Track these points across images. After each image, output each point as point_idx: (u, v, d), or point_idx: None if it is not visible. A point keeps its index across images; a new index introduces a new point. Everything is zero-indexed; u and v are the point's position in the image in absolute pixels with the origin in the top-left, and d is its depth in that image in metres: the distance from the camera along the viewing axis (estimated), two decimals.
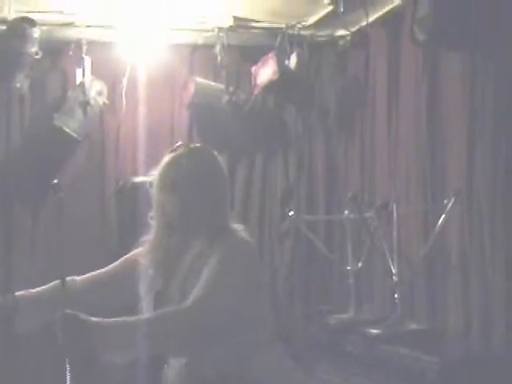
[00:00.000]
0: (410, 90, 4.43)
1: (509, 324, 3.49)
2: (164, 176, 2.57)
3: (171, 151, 2.64)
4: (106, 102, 4.99)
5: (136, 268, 2.62)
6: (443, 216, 3.80)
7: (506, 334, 3.49)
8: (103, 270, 2.73)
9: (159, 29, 4.78)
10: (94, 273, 2.71)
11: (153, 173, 2.64)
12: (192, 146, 2.73)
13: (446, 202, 3.83)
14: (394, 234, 3.88)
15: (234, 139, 4.98)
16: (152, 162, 4.57)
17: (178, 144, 2.68)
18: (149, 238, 2.64)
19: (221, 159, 2.67)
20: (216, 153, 2.66)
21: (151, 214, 2.62)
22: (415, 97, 4.35)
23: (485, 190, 3.69)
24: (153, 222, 2.62)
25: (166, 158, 2.61)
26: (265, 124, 5.00)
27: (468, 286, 3.78)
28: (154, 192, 2.59)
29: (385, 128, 4.65)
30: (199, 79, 4.97)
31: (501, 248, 3.58)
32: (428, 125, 4.22)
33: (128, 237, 4.58)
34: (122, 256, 2.86)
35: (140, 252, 2.66)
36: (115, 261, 2.85)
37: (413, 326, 3.83)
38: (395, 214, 3.88)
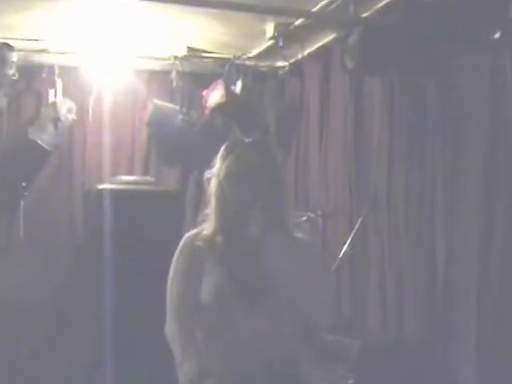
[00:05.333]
0: (338, 112, 4.79)
1: None
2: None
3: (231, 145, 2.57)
4: (75, 118, 5.26)
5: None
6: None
7: None
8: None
9: (122, 56, 5.07)
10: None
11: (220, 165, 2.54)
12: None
13: None
14: None
15: (185, 154, 5.24)
16: (114, 170, 5.20)
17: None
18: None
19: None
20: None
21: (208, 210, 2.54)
22: (343, 119, 4.71)
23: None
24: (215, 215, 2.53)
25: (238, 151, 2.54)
26: (213, 141, 4.76)
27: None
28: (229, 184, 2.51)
29: (317, 144, 5.02)
30: (157, 101, 5.29)
31: None
32: (354, 141, 4.59)
33: (93, 238, 4.93)
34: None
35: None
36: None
37: None
38: None
